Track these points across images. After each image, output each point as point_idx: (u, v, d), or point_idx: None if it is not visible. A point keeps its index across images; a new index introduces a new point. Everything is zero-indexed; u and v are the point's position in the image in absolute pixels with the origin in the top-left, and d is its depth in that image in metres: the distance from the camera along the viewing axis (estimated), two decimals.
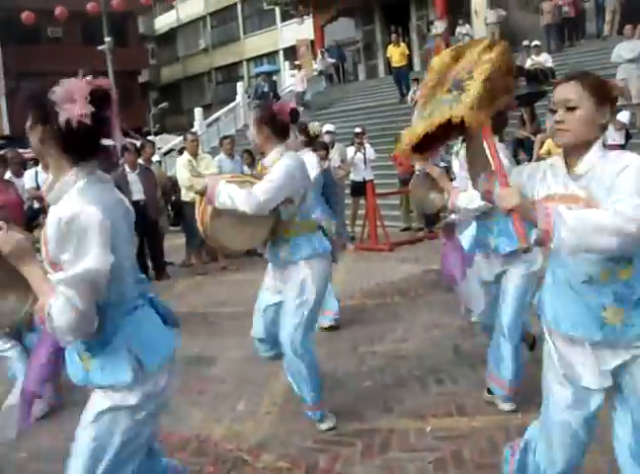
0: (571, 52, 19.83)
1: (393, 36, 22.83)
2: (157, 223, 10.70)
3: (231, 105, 26.08)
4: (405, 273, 9.49)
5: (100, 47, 26.70)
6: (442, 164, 8.75)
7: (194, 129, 22.14)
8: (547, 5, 20.72)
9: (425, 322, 6.98)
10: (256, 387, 5.49)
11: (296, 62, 26.06)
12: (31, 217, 8.98)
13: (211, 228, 4.18)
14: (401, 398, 5.04)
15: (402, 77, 21.48)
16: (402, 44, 22.43)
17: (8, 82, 33.61)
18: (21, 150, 12.39)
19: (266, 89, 25.13)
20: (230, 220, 4.17)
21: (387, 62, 26.28)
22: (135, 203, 9.91)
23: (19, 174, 10.16)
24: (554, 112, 2.55)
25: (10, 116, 32.14)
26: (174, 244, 12.02)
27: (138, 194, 10.04)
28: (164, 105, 31.37)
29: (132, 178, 10.09)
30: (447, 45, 21.87)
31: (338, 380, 5.50)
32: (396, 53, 21.86)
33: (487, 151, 2.65)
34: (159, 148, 21.58)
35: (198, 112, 24.27)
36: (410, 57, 23.27)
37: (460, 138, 3.31)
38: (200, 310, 8.27)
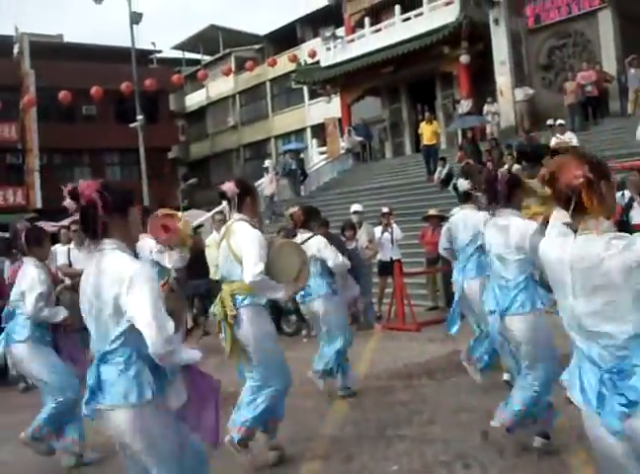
0: (595, 131, 20.01)
1: (426, 114, 23.17)
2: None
3: (259, 181, 26.44)
4: (432, 353, 9.46)
5: (132, 125, 27.39)
6: None
7: (221, 206, 22.40)
8: (570, 85, 21.01)
9: (452, 405, 6.94)
10: (285, 469, 5.49)
11: (266, 168, 24.71)
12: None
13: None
14: None
15: (431, 155, 21.58)
16: (434, 122, 22.66)
17: (42, 157, 34.46)
18: (52, 223, 12.61)
19: (293, 166, 25.49)
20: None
21: (414, 140, 26.68)
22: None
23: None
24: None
25: (43, 190, 32.86)
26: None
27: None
28: (193, 180, 31.83)
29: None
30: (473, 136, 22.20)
31: (364, 464, 5.49)
32: (428, 131, 21.98)
33: None
34: None
35: None
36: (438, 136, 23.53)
37: None
38: (232, 389, 8.26)
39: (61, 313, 5.89)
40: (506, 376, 6.88)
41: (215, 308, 5.43)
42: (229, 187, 5.34)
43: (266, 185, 23.19)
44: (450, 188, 7.78)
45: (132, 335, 3.16)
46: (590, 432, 2.90)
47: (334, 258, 7.26)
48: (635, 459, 2.75)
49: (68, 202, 3.20)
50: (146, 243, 6.71)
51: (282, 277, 5.23)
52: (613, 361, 2.72)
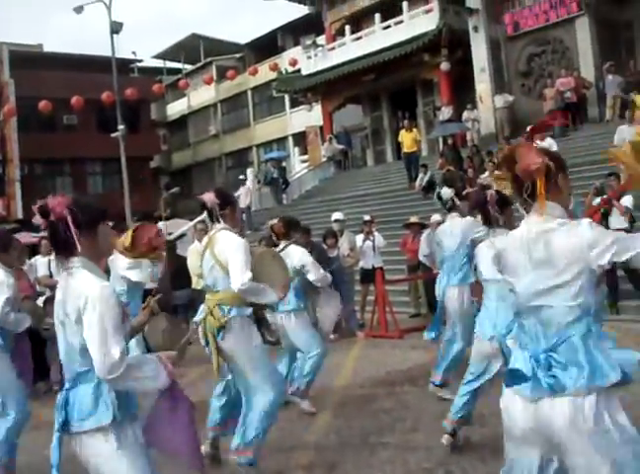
0: (575, 137, 20.18)
1: (405, 121, 23.16)
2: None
3: (237, 193, 26.42)
4: (415, 361, 9.49)
5: (113, 135, 27.31)
6: None
7: (203, 216, 22.29)
8: (550, 91, 21.21)
9: (435, 412, 6.94)
10: None
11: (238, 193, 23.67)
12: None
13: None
14: None
15: (412, 162, 21.65)
16: (414, 130, 22.72)
17: (23, 168, 34.28)
18: (33, 234, 12.44)
19: (275, 175, 25.52)
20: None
21: (396, 148, 26.75)
22: (148, 292, 10.02)
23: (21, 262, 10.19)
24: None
25: (24, 200, 32.68)
26: None
27: (151, 282, 10.12)
28: (175, 190, 31.69)
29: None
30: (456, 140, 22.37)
31: (348, 473, 5.50)
32: (408, 139, 22.06)
33: None
34: (170, 233, 21.78)
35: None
36: (419, 143, 23.61)
37: None
38: (209, 399, 8.24)
39: (26, 321, 5.79)
40: None
41: (201, 317, 5.36)
42: (209, 197, 5.33)
43: (242, 197, 23.08)
44: (434, 196, 7.82)
45: None
46: (505, 413, 3.00)
47: (316, 271, 7.18)
48: (537, 445, 2.88)
49: (37, 219, 3.19)
50: (118, 260, 6.70)
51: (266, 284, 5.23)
52: (553, 340, 2.84)
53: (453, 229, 7.34)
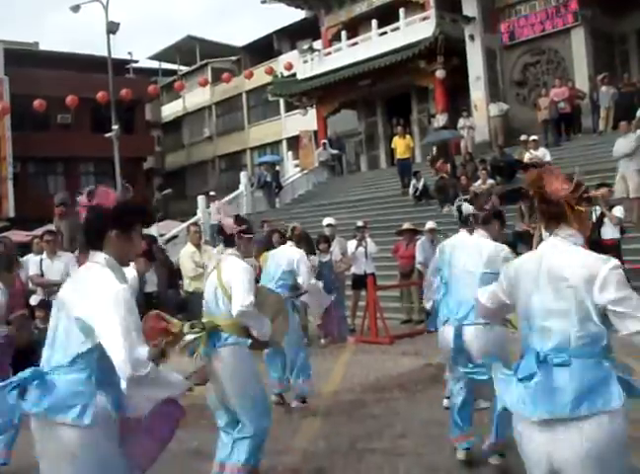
0: (568, 147, 20.24)
1: (399, 128, 23.15)
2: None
3: (234, 193, 26.40)
4: (405, 367, 9.49)
5: (107, 135, 27.23)
6: None
7: (196, 217, 22.34)
8: (544, 101, 21.27)
9: (424, 418, 6.96)
10: None
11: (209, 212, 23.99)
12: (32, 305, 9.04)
13: None
14: None
15: (405, 169, 21.66)
16: (407, 137, 22.78)
17: (16, 166, 34.15)
18: (25, 232, 12.35)
19: (268, 179, 25.50)
20: None
21: (389, 154, 26.78)
22: (149, 295, 10.00)
23: None
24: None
25: (16, 199, 32.56)
26: None
27: (151, 286, 10.11)
28: (168, 191, 31.66)
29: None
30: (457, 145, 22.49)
31: None
32: (401, 145, 22.12)
33: None
34: (162, 235, 21.77)
35: (200, 199, 23.85)
36: (412, 150, 23.63)
37: None
38: (200, 402, 8.22)
39: None
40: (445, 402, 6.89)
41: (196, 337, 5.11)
42: (228, 223, 5.24)
43: (213, 212, 22.90)
44: (454, 208, 7.70)
45: (99, 360, 3.01)
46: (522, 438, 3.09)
47: (307, 277, 7.11)
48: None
49: (81, 201, 3.22)
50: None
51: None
52: (562, 357, 2.94)
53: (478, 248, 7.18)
